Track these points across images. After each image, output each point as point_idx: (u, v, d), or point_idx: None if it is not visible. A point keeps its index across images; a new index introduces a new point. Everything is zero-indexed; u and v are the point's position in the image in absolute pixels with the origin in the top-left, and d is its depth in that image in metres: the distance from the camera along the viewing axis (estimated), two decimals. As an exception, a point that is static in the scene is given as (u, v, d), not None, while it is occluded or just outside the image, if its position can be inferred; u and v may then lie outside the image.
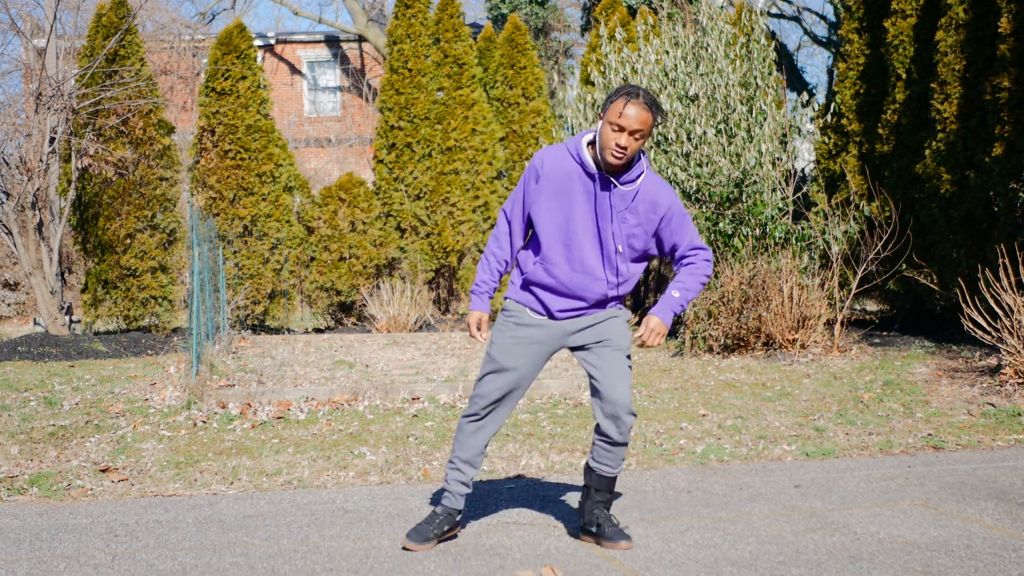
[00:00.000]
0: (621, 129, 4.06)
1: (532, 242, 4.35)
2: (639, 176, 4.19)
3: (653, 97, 4.14)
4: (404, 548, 4.34)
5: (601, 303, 4.30)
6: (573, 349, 4.36)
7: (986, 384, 8.02)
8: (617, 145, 4.07)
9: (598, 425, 4.31)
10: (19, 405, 8.17)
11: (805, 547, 4.27)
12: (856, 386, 8.37)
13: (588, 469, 4.42)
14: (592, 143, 4.22)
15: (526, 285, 4.34)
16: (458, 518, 4.44)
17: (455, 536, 4.48)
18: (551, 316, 4.30)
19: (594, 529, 4.35)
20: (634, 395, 8.32)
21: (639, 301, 15.59)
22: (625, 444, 4.31)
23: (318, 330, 15.32)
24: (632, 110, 4.05)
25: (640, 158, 4.22)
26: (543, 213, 4.24)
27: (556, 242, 4.23)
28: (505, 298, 4.43)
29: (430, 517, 4.40)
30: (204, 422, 7.37)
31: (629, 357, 4.33)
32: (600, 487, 4.38)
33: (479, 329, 4.38)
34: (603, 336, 4.29)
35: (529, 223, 4.34)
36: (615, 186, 4.17)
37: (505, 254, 4.38)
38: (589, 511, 4.40)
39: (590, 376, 4.32)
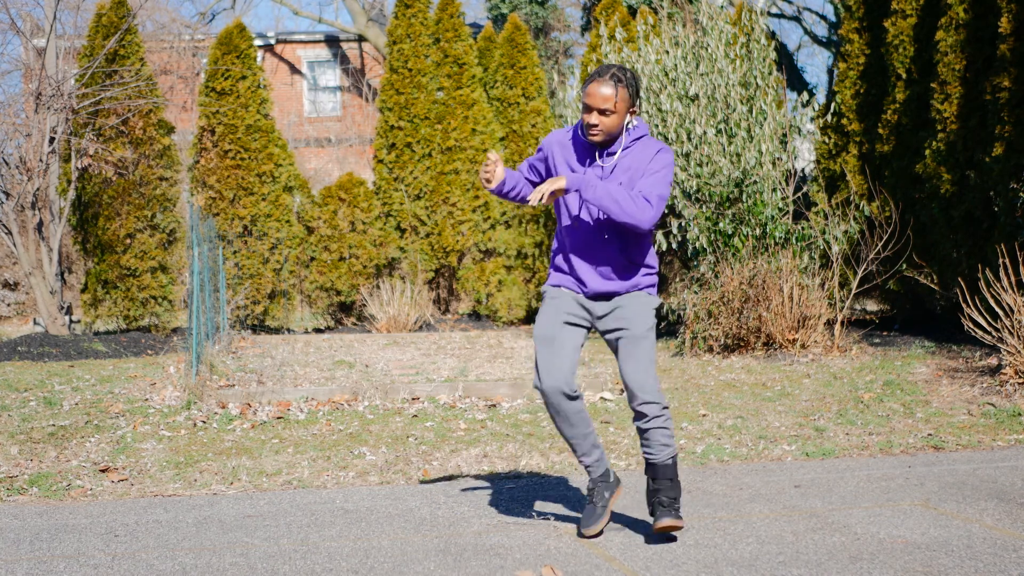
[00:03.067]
0: (589, 109, 4.26)
1: (557, 227, 4.55)
2: (628, 146, 4.34)
3: (621, 71, 4.25)
4: (580, 535, 4.43)
5: (625, 274, 4.41)
6: (603, 334, 4.49)
7: (986, 384, 8.02)
8: (589, 124, 4.28)
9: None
10: (19, 405, 8.17)
11: (805, 547, 4.27)
12: (856, 386, 8.37)
13: (646, 461, 4.48)
14: None
15: (558, 269, 4.52)
16: (612, 479, 4.52)
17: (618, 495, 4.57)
18: (585, 295, 4.45)
19: (651, 516, 4.43)
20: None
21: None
22: (657, 428, 4.34)
23: (318, 330, 15.32)
24: (594, 87, 4.24)
25: (630, 130, 4.35)
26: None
27: (565, 217, 4.46)
28: (542, 289, 4.59)
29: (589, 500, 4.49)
30: (204, 422, 7.37)
31: (652, 341, 4.38)
32: (655, 475, 4.41)
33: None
34: (623, 323, 4.39)
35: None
36: (599, 157, 4.37)
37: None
38: (650, 501, 4.44)
39: (619, 367, 4.44)
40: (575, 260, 4.43)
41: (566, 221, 4.46)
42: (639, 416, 4.35)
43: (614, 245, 4.37)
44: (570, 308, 4.44)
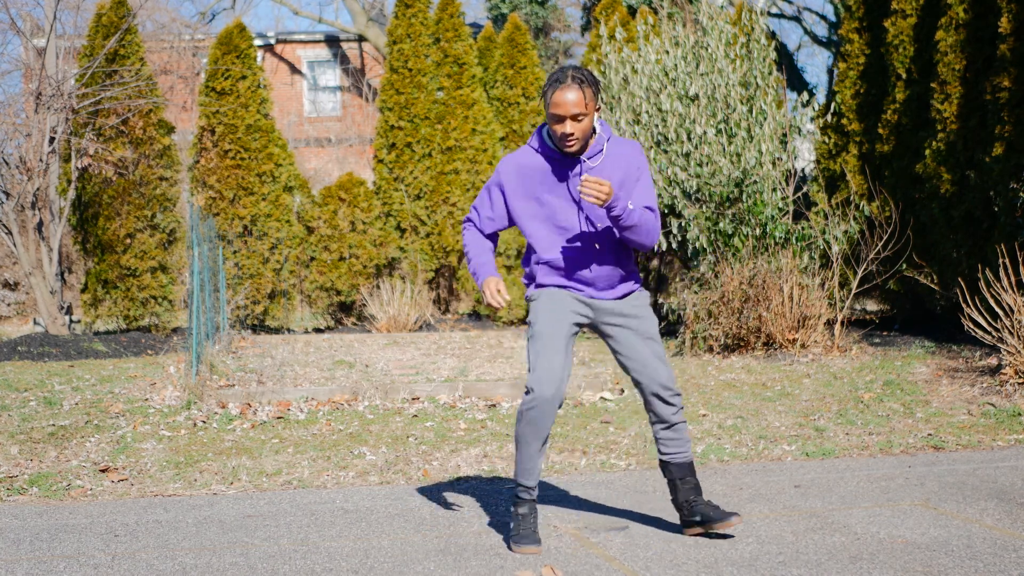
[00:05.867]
0: (560, 119, 4.09)
1: (528, 248, 4.40)
2: (603, 146, 4.24)
3: (583, 72, 4.09)
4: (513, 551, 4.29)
5: (618, 280, 4.32)
6: (603, 333, 4.36)
7: (986, 384, 8.02)
8: (564, 135, 4.11)
9: (650, 414, 4.35)
10: (19, 405, 8.17)
11: (805, 547, 4.27)
12: (856, 386, 8.37)
13: (663, 464, 4.41)
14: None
15: (550, 272, 4.33)
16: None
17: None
18: (587, 294, 4.33)
19: (699, 519, 4.34)
20: (634, 395, 8.31)
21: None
22: (682, 423, 4.33)
23: (318, 330, 15.32)
24: (562, 95, 4.06)
25: (598, 130, 4.24)
26: (524, 215, 4.30)
27: (548, 237, 4.28)
28: (528, 295, 4.39)
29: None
30: (204, 422, 7.37)
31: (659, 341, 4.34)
32: (683, 475, 4.37)
33: (499, 292, 4.24)
34: (628, 323, 4.29)
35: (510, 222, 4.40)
36: (582, 163, 4.22)
37: (483, 225, 4.40)
38: (687, 505, 4.37)
39: (624, 367, 4.33)
40: (566, 269, 4.26)
41: (548, 238, 4.26)
42: (669, 407, 4.26)
43: (609, 258, 4.27)
44: (571, 305, 4.28)
